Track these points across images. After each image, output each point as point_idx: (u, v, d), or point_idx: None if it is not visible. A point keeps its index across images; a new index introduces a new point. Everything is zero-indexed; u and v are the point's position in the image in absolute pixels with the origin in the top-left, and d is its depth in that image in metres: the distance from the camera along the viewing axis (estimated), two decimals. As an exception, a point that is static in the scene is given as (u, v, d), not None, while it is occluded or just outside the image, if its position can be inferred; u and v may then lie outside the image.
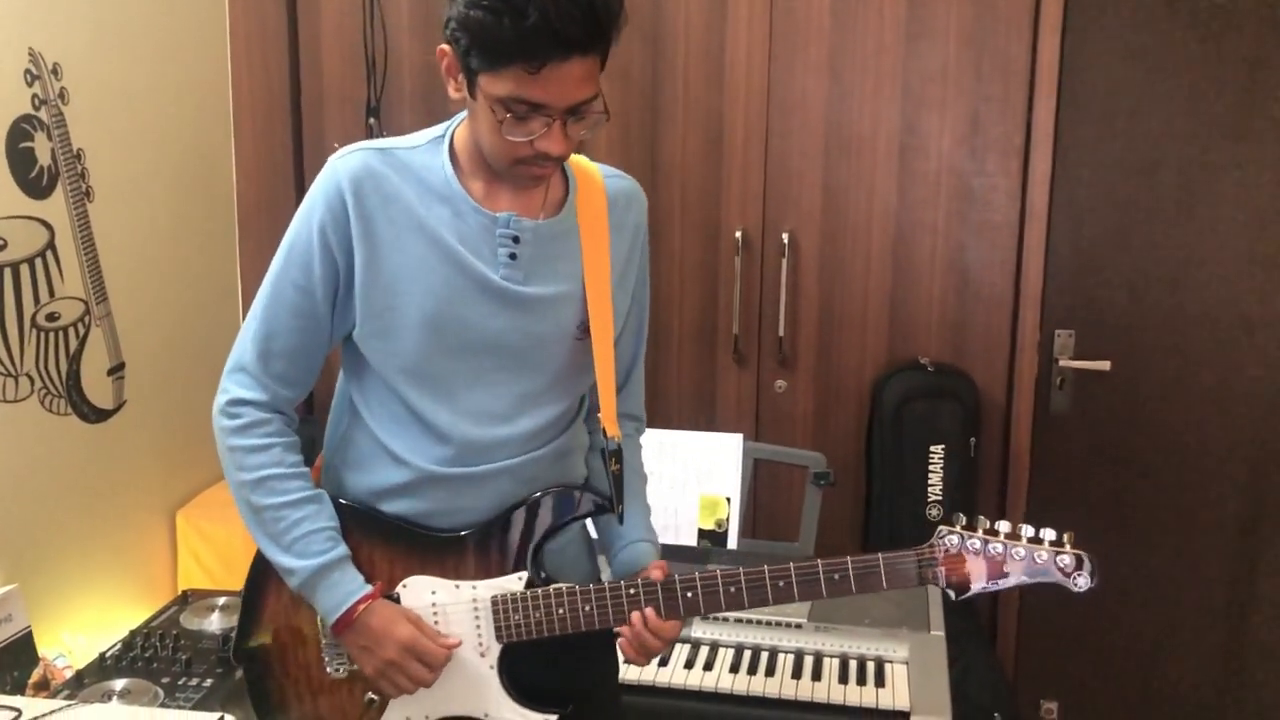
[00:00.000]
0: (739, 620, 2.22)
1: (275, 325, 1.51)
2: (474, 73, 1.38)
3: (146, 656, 2.16)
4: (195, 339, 2.81)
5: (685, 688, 2.06)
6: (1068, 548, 1.47)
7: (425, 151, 1.52)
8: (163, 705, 2.00)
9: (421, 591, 1.54)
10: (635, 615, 1.51)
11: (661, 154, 2.85)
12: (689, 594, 1.52)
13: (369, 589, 1.51)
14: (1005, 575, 1.48)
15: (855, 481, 2.88)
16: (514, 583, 1.54)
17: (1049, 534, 1.48)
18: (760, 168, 2.81)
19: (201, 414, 2.82)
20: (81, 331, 2.38)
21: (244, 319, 3.00)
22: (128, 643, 2.22)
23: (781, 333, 2.84)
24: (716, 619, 2.22)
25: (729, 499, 2.47)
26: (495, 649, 1.55)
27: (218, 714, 1.76)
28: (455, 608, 1.54)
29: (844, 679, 2.07)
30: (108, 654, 2.18)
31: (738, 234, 2.82)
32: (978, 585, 1.49)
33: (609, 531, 1.65)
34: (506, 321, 1.51)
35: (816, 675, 2.09)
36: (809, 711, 2.02)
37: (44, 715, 1.72)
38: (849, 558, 1.51)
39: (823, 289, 2.85)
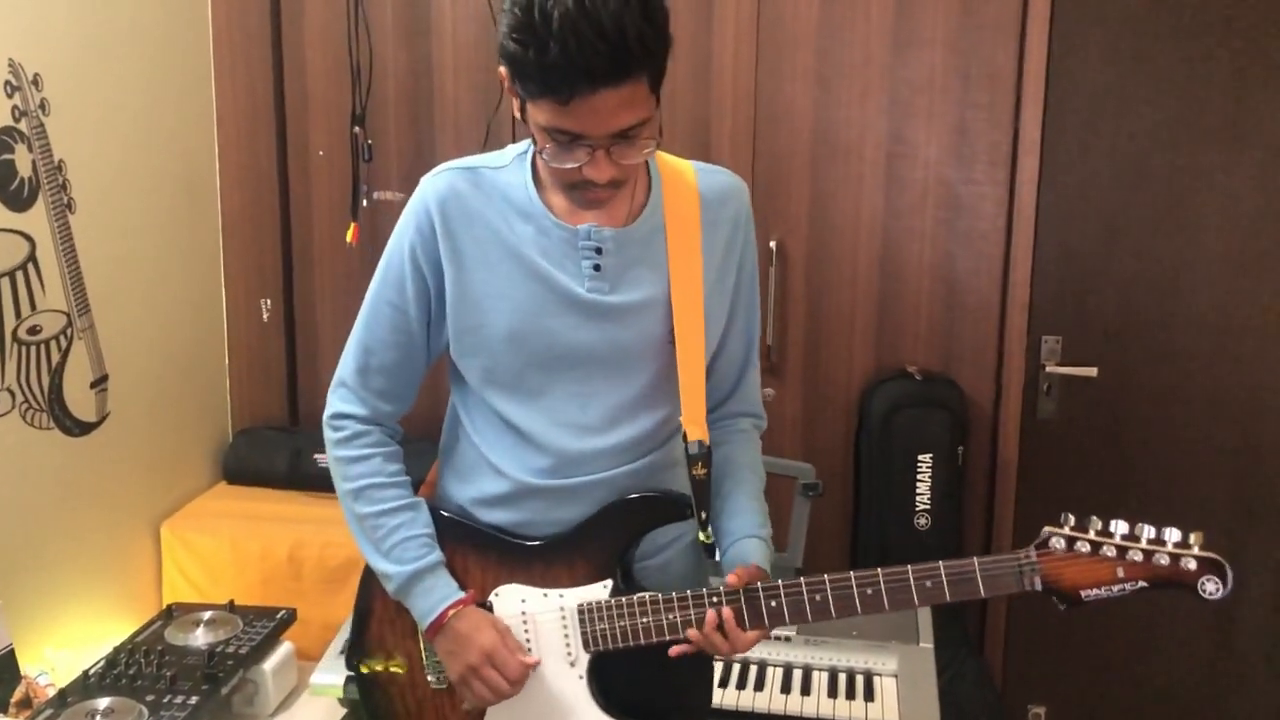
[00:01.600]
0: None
1: (373, 342, 1.58)
2: (521, 99, 1.39)
3: (130, 674, 2.14)
4: (179, 350, 2.79)
5: (674, 703, 2.06)
6: (1195, 549, 1.35)
7: (510, 170, 1.54)
8: (147, 724, 1.98)
9: (512, 600, 1.56)
10: (710, 614, 1.48)
11: (648, 162, 2.83)
12: (772, 602, 1.48)
13: (461, 595, 1.55)
14: (1119, 581, 1.35)
15: (843, 490, 2.88)
16: (600, 591, 1.54)
17: (1173, 534, 1.36)
18: (748, 176, 2.80)
19: (186, 426, 2.83)
20: (64, 344, 2.36)
21: (227, 326, 3.01)
22: (111, 660, 2.20)
23: (770, 341, 2.84)
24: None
25: (717, 510, 2.46)
26: (584, 658, 1.55)
27: (202, 736, 1.75)
28: (544, 616, 1.56)
29: (833, 693, 2.07)
30: (91, 671, 2.15)
31: (725, 242, 2.81)
32: (1089, 593, 1.37)
33: (719, 532, 1.60)
34: (592, 333, 1.51)
35: (806, 689, 2.09)
36: (798, 726, 2.02)
37: (26, 737, 1.70)
38: (942, 563, 1.42)
39: (810, 297, 2.84)
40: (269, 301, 2.98)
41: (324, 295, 2.98)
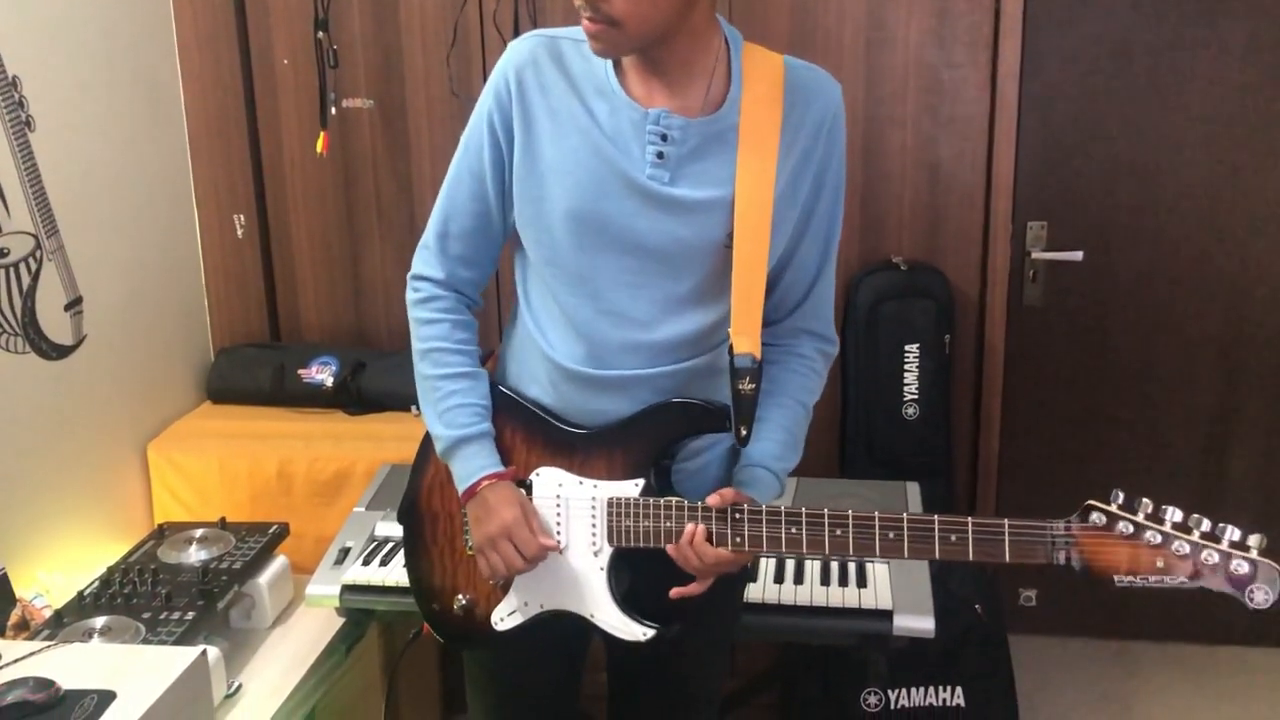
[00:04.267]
0: (720, 528, 2.22)
1: (452, 208, 1.60)
2: None
3: (125, 593, 2.14)
4: (154, 270, 2.74)
5: (669, 597, 2.07)
6: (1253, 553, 1.22)
7: None
8: (145, 641, 1.98)
9: (550, 482, 1.58)
10: (686, 529, 1.48)
11: (622, 57, 2.76)
12: (793, 529, 1.45)
13: (499, 469, 1.57)
14: (1159, 570, 1.24)
15: (831, 384, 2.81)
16: (630, 488, 1.54)
17: (1232, 532, 1.23)
18: (724, 68, 2.74)
19: (166, 346, 2.79)
20: (33, 267, 2.31)
21: (201, 241, 2.96)
22: (106, 580, 2.20)
23: (752, 237, 2.80)
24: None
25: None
26: (607, 550, 1.56)
27: (200, 647, 1.75)
28: (577, 503, 1.57)
29: (826, 581, 2.09)
30: (86, 592, 2.16)
31: (704, 137, 2.76)
32: (1123, 579, 1.26)
33: (740, 451, 1.57)
34: (650, 222, 1.48)
35: (799, 579, 2.10)
36: (793, 615, 2.04)
37: (25, 658, 1.70)
38: (970, 518, 1.35)
39: (792, 191, 2.80)
40: (242, 217, 2.92)
41: (298, 207, 2.93)
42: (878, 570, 2.11)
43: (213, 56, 2.84)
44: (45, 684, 1.59)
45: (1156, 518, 1.26)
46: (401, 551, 1.98)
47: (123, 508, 2.61)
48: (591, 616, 1.58)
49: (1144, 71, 2.88)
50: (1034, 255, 3.01)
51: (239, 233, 2.93)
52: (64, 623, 2.05)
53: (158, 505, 2.66)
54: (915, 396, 2.72)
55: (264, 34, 2.84)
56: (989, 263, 2.79)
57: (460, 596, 1.66)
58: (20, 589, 2.16)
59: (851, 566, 2.12)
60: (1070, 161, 2.96)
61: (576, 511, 1.57)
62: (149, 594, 2.14)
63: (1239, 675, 3.14)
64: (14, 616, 2.07)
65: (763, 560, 2.16)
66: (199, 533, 2.37)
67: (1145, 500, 1.27)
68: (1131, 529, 1.25)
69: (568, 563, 1.58)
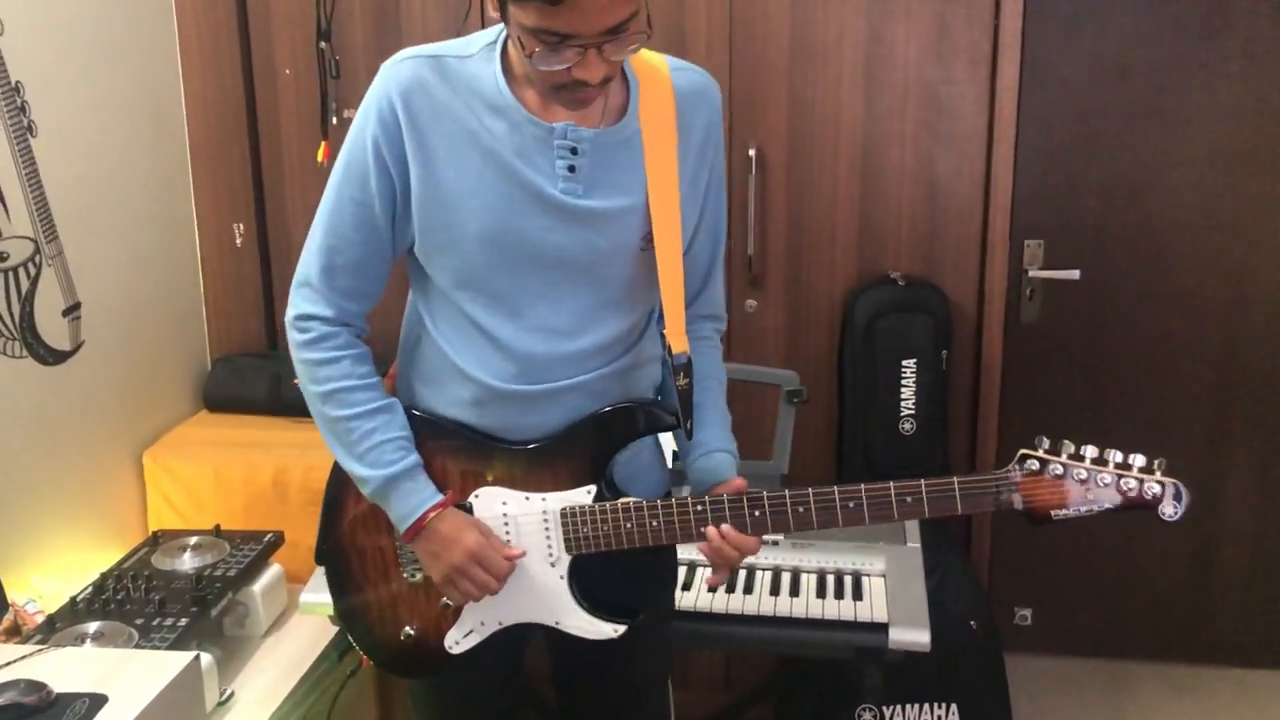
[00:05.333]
0: (716, 540, 2.22)
1: (337, 240, 1.52)
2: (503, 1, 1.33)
3: (119, 598, 2.14)
4: (153, 277, 2.74)
5: (664, 608, 2.07)
6: (1157, 474, 1.42)
7: (477, 60, 1.47)
8: (137, 646, 1.97)
9: (492, 502, 1.56)
10: (712, 530, 1.51)
11: (623, 71, 2.77)
12: (756, 512, 1.51)
13: (440, 497, 1.54)
14: (1089, 502, 1.43)
15: (828, 398, 2.87)
16: (583, 496, 1.55)
17: (1138, 459, 1.42)
18: (725, 83, 2.74)
19: (163, 354, 2.79)
20: (32, 272, 2.31)
21: (200, 250, 2.96)
22: (99, 585, 2.19)
23: (750, 251, 2.81)
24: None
25: (702, 420, 2.45)
26: (565, 560, 1.56)
27: (193, 652, 1.74)
28: (526, 519, 1.56)
29: (822, 593, 2.08)
30: (79, 597, 2.15)
31: (703, 151, 2.77)
32: (1059, 512, 1.44)
33: (685, 439, 1.62)
34: (567, 235, 1.48)
35: (795, 591, 2.10)
36: (788, 627, 2.04)
37: (16, 661, 1.69)
38: (923, 480, 1.47)
39: (791, 205, 2.81)
40: (241, 226, 2.93)
41: (297, 217, 2.93)
42: (873, 583, 2.11)
43: (215, 65, 2.85)
44: (37, 686, 1.58)
45: (1079, 456, 1.43)
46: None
47: (117, 514, 2.60)
48: (557, 624, 1.59)
49: (1142, 91, 2.90)
50: (1031, 273, 3.02)
51: (238, 241, 2.94)
52: (56, 627, 2.04)
53: (152, 512, 2.65)
54: (912, 411, 2.72)
55: (266, 44, 2.85)
56: (986, 279, 2.80)
57: (406, 629, 1.64)
58: (13, 594, 2.15)
59: (848, 579, 2.12)
60: (1068, 180, 2.97)
61: (526, 527, 1.56)
62: (142, 600, 2.14)
63: (1232, 696, 3.13)
64: (6, 622, 2.06)
65: (759, 573, 2.16)
66: (193, 540, 2.36)
67: (1067, 442, 1.44)
68: (1060, 469, 1.42)
69: (523, 576, 1.57)
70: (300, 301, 1.55)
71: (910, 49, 2.70)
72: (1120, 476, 1.41)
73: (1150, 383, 3.07)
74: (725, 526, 1.51)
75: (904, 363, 2.71)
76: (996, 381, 2.85)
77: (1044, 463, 1.43)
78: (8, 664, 1.68)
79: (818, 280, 2.84)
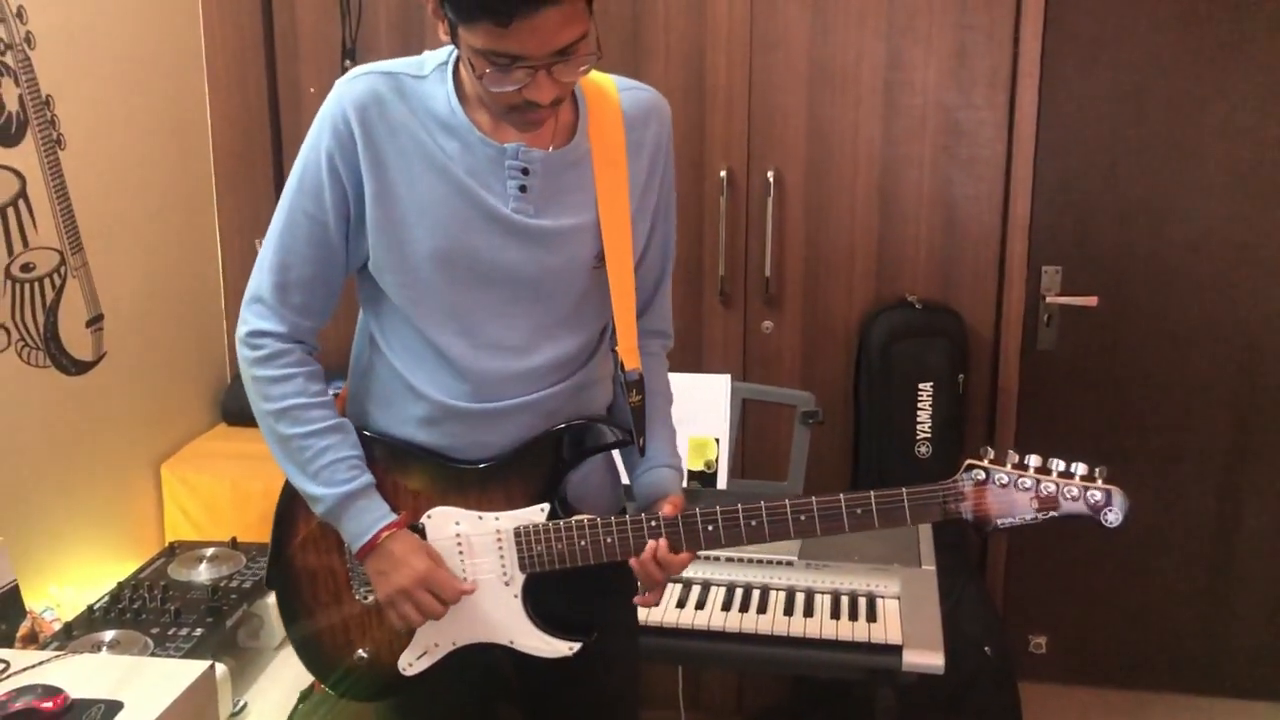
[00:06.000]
0: (730, 559, 2.22)
1: (290, 256, 1.50)
2: (453, 23, 1.34)
3: (135, 608, 2.15)
4: (175, 291, 2.77)
5: (678, 626, 2.07)
6: (1099, 482, 1.43)
7: (431, 81, 1.48)
8: (153, 655, 1.98)
9: (446, 522, 1.55)
10: (650, 544, 1.51)
11: (644, 93, 2.79)
12: (709, 527, 1.51)
13: (394, 517, 1.53)
14: (1034, 509, 1.44)
15: (844, 421, 2.87)
16: (536, 514, 1.54)
17: (1080, 468, 1.44)
18: (744, 105, 2.77)
19: (183, 365, 2.81)
20: (58, 282, 2.34)
21: (223, 266, 2.99)
22: (115, 595, 2.20)
23: (768, 273, 2.82)
24: (708, 558, 2.22)
25: (718, 440, 2.46)
26: (519, 579, 1.56)
27: (208, 661, 1.75)
28: (479, 538, 1.55)
29: (836, 614, 2.08)
30: (96, 606, 2.16)
31: (722, 173, 2.79)
32: (1004, 520, 1.45)
33: (632, 454, 1.63)
34: (519, 254, 1.48)
35: (809, 611, 2.09)
36: (802, 647, 2.03)
37: (33, 666, 1.70)
38: (873, 492, 1.48)
39: (809, 227, 2.82)
40: (262, 242, 2.94)
41: (319, 234, 2.95)
42: (888, 605, 2.10)
43: (240, 82, 2.89)
44: (53, 691, 1.59)
45: (1023, 465, 1.45)
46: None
47: (135, 525, 2.62)
48: (511, 643, 1.58)
49: (1160, 119, 2.90)
50: (1048, 299, 3.02)
51: (260, 257, 2.96)
52: (73, 635, 2.05)
53: (169, 524, 2.67)
54: (928, 435, 2.72)
55: (292, 62, 2.89)
56: (1004, 304, 2.81)
57: (359, 651, 1.62)
58: (31, 602, 2.16)
59: (862, 601, 2.11)
60: (1086, 206, 2.98)
61: (480, 546, 1.55)
62: (158, 610, 2.15)
63: (1250, 728, 3.10)
64: (24, 629, 2.07)
65: (773, 593, 2.16)
66: (209, 551, 2.38)
67: (1012, 452, 1.46)
68: (1005, 479, 1.44)
69: (477, 596, 1.56)
70: (252, 318, 1.53)
71: (929, 73, 2.71)
72: (1063, 485, 1.43)
73: (1168, 411, 3.06)
74: (661, 543, 1.51)
75: (920, 386, 2.71)
76: (1013, 407, 2.84)
77: (989, 472, 1.44)
78: (25, 669, 1.69)
79: (834, 302, 2.85)
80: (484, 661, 1.62)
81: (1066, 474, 1.44)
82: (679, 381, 2.48)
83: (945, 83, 2.71)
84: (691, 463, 2.47)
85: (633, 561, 1.53)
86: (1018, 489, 1.44)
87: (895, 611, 2.08)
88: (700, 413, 2.46)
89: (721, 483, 2.47)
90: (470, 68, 1.37)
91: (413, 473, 1.56)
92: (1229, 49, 2.84)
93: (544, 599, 1.58)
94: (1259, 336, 3.00)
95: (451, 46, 1.45)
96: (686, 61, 2.77)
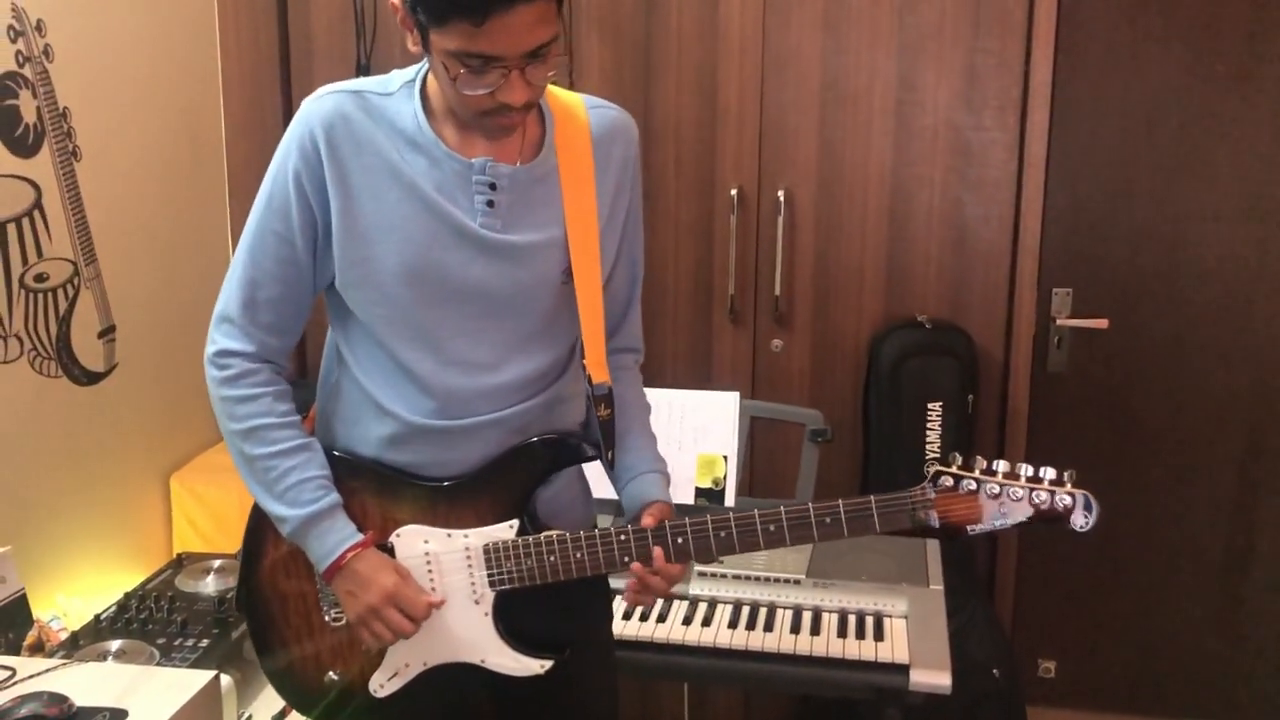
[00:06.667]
0: (736, 577, 2.22)
1: (258, 274, 1.50)
2: (424, 27, 1.35)
3: (142, 618, 2.15)
4: (187, 302, 2.78)
5: (684, 643, 2.06)
6: (1068, 486, 1.42)
7: (398, 98, 1.49)
8: (159, 665, 1.98)
9: (414, 541, 1.54)
10: (636, 566, 1.50)
11: (655, 111, 2.81)
12: (679, 539, 1.50)
13: (360, 537, 1.51)
14: (1003, 516, 1.42)
15: (853, 440, 2.87)
16: (506, 531, 1.53)
17: (1049, 473, 1.43)
18: (755, 124, 2.78)
19: (194, 378, 2.79)
20: (71, 293, 2.35)
21: (235, 280, 2.98)
22: (123, 605, 2.21)
23: (778, 291, 2.82)
24: (714, 575, 2.21)
25: (726, 457, 2.46)
26: (489, 596, 1.54)
27: (213, 671, 1.75)
28: (448, 556, 1.54)
29: (843, 633, 2.07)
30: (102, 616, 2.17)
31: (733, 191, 2.80)
32: (974, 527, 1.43)
33: (617, 465, 1.61)
34: (487, 269, 1.48)
35: (815, 630, 2.08)
36: (808, 665, 2.02)
37: (39, 674, 1.70)
38: (841, 500, 1.47)
39: (819, 246, 2.82)
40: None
41: (331, 248, 2.97)
42: (895, 624, 2.09)
43: (255, 97, 2.91)
44: (58, 699, 1.59)
45: (990, 471, 1.43)
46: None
47: (143, 536, 2.62)
48: (483, 662, 1.56)
49: (1172, 142, 2.90)
50: (1059, 322, 3.01)
51: (272, 270, 2.97)
52: (79, 644, 2.06)
53: (177, 535, 2.68)
54: (937, 455, 2.71)
55: (306, 76, 2.91)
56: (1014, 325, 2.80)
57: (330, 674, 1.60)
58: (38, 610, 2.17)
59: (869, 620, 2.10)
60: (1097, 229, 2.98)
61: (449, 565, 1.54)
62: (165, 620, 2.15)
63: (1262, 755, 3.07)
64: (30, 637, 2.08)
65: (779, 611, 2.15)
66: (217, 563, 2.38)
67: (980, 458, 1.44)
68: (974, 485, 1.42)
69: (447, 616, 1.55)
70: (220, 338, 1.52)
71: (940, 94, 2.72)
72: (1032, 490, 1.41)
73: (1178, 435, 3.05)
74: (656, 551, 1.49)
75: (930, 405, 2.70)
76: (1023, 428, 2.84)
77: (958, 479, 1.43)
78: (31, 676, 1.69)
79: (844, 321, 2.85)
80: (457, 682, 1.59)
81: (1035, 478, 1.42)
82: (688, 399, 2.51)
83: (956, 104, 2.72)
84: (699, 480, 2.47)
85: (636, 567, 1.51)
86: (986, 495, 1.42)
87: (903, 631, 2.07)
88: (709, 430, 2.46)
89: (729, 500, 2.46)
90: (443, 71, 1.37)
91: (381, 492, 1.55)
92: (1241, 73, 2.84)
93: (515, 617, 1.57)
94: (1271, 360, 2.98)
95: (419, 65, 1.48)
96: (698, 80, 2.78)
